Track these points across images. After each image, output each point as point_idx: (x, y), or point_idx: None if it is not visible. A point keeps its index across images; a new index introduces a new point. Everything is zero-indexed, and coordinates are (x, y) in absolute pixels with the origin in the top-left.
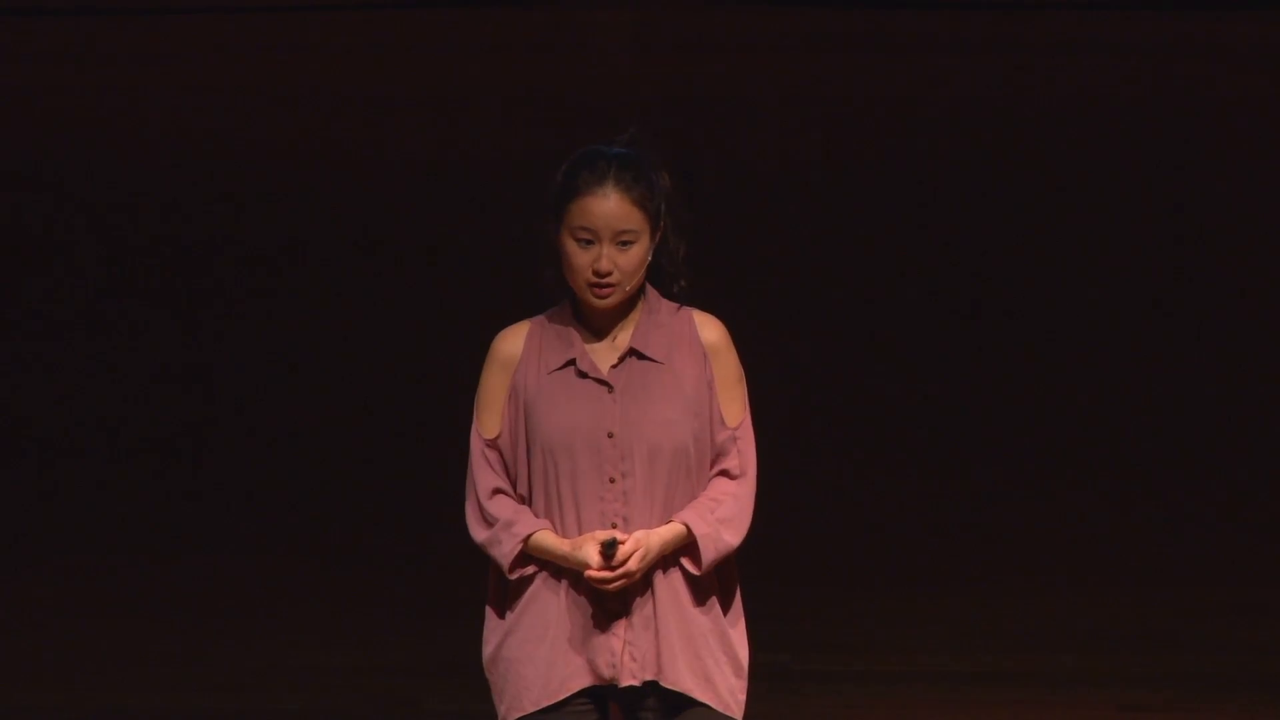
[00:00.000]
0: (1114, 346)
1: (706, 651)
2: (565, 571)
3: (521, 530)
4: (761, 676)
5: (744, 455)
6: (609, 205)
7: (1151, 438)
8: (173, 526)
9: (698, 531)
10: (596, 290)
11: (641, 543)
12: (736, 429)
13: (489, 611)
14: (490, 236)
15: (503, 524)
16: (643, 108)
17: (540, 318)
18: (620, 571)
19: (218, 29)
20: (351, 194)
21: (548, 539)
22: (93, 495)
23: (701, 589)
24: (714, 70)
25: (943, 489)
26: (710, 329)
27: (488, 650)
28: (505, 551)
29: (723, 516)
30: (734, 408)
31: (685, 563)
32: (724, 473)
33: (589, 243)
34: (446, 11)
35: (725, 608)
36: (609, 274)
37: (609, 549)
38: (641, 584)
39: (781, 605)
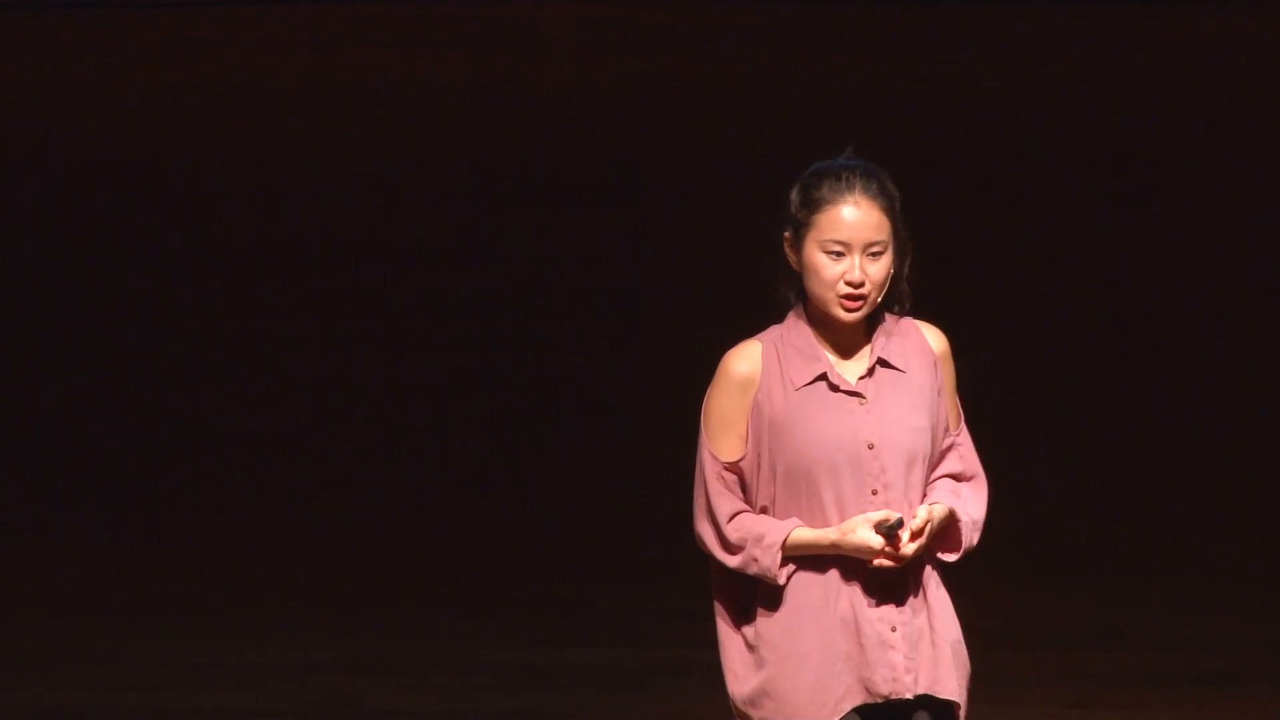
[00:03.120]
0: (1050, 344)
1: (959, 664)
2: (823, 589)
3: (776, 538)
4: None
5: (970, 460)
6: (863, 215)
7: (1089, 435)
8: (112, 523)
9: (961, 517)
10: (847, 303)
11: (929, 517)
12: (958, 435)
13: (736, 645)
14: (435, 228)
15: (753, 540)
16: (589, 100)
17: (771, 335)
18: (915, 549)
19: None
20: (288, 189)
21: (805, 534)
22: None
23: (947, 596)
24: (661, 63)
25: None
26: (937, 337)
27: (746, 687)
28: (767, 565)
29: (970, 511)
30: (954, 414)
31: (939, 552)
32: (952, 477)
33: (840, 254)
34: (391, 6)
35: (958, 615)
36: (861, 285)
37: (892, 530)
38: (914, 591)
39: None
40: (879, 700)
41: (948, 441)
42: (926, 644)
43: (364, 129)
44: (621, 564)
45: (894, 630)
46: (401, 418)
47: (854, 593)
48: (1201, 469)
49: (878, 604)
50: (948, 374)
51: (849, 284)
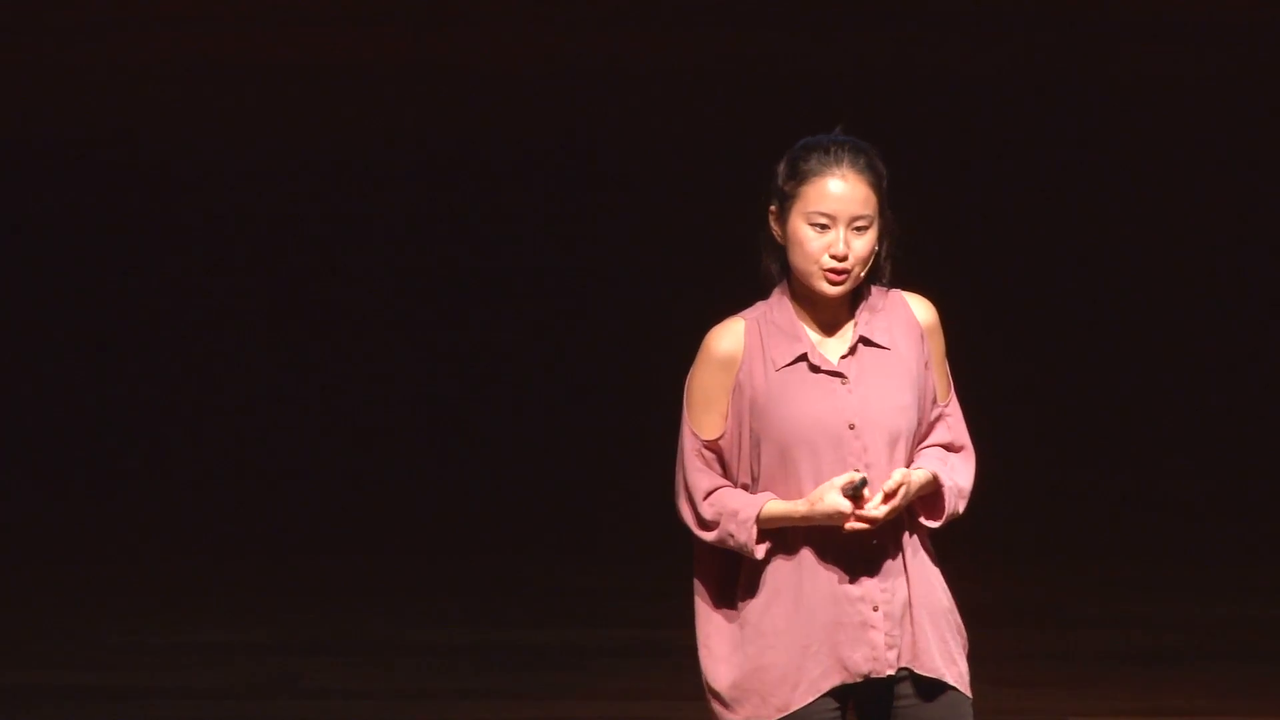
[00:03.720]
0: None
1: (949, 633)
2: (803, 569)
3: (750, 512)
4: None
5: (959, 429)
6: (850, 188)
7: (1020, 415)
8: (50, 505)
9: (945, 482)
10: (831, 276)
11: (904, 480)
12: (946, 405)
13: (714, 627)
14: (388, 206)
15: (727, 515)
16: (541, 78)
17: (754, 312)
18: (887, 511)
19: None
20: (242, 169)
21: (778, 506)
22: None
23: (935, 568)
24: (615, 40)
25: None
26: (924, 308)
27: (723, 666)
28: (743, 540)
29: (956, 478)
30: (943, 384)
31: (922, 517)
32: (941, 447)
33: (825, 227)
34: None
35: (949, 586)
36: (845, 258)
37: (857, 490)
38: (898, 565)
39: None
40: (858, 680)
41: (935, 412)
42: (910, 618)
43: (318, 107)
44: (564, 544)
45: (875, 610)
46: (350, 397)
47: (835, 572)
48: (1139, 449)
49: (859, 582)
50: (935, 345)
51: (834, 257)
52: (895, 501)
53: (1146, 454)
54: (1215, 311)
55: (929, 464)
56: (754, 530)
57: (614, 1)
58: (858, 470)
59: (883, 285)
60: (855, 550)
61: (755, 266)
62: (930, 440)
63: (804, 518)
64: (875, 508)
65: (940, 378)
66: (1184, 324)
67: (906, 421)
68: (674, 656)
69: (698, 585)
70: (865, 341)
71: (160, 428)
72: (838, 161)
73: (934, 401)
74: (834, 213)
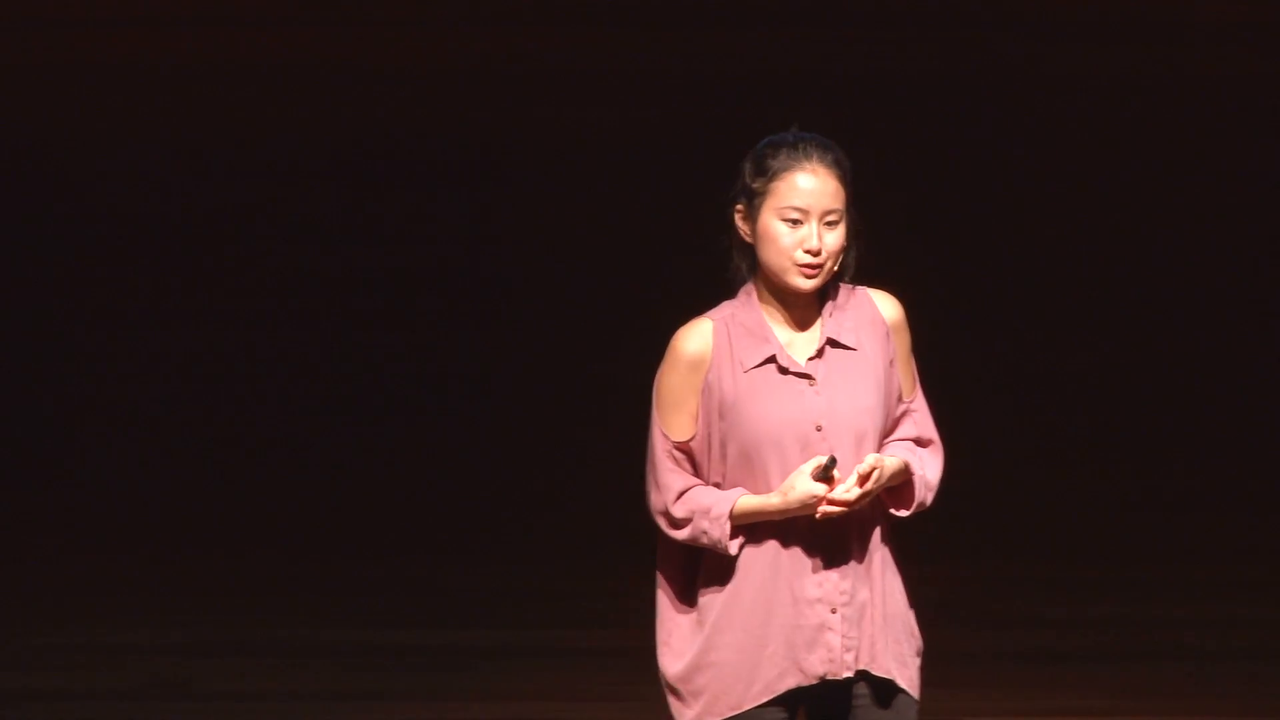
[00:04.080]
0: None
1: (903, 634)
2: (765, 570)
3: (723, 508)
4: None
5: (925, 424)
6: (820, 183)
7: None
8: None
9: (915, 471)
10: (806, 271)
11: (878, 464)
12: (913, 401)
13: (675, 622)
14: (294, 205)
15: (700, 513)
16: (443, 77)
17: (721, 313)
18: (860, 494)
19: None
20: (151, 167)
21: (751, 501)
22: None
23: (896, 570)
24: (521, 39)
25: None
26: (890, 306)
27: (682, 663)
28: (717, 536)
29: (925, 470)
30: (909, 380)
31: (891, 508)
32: (910, 441)
33: (797, 222)
34: None
35: (907, 587)
36: (819, 252)
37: (827, 471)
38: (861, 566)
39: None
40: (814, 682)
41: (902, 408)
42: (869, 621)
43: (222, 107)
44: (453, 546)
45: (834, 612)
46: (249, 399)
47: (797, 573)
48: (1045, 446)
49: (821, 585)
50: (901, 342)
51: (808, 251)
52: (869, 485)
53: (1048, 453)
54: (1137, 316)
55: (899, 453)
56: (727, 526)
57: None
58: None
59: (848, 282)
60: (818, 551)
61: (663, 266)
62: (897, 435)
63: (777, 510)
64: (848, 490)
65: (906, 374)
66: (1103, 325)
67: (872, 422)
68: (565, 657)
69: (661, 582)
70: (833, 343)
71: (51, 429)
72: (807, 156)
73: (900, 398)
74: (806, 207)
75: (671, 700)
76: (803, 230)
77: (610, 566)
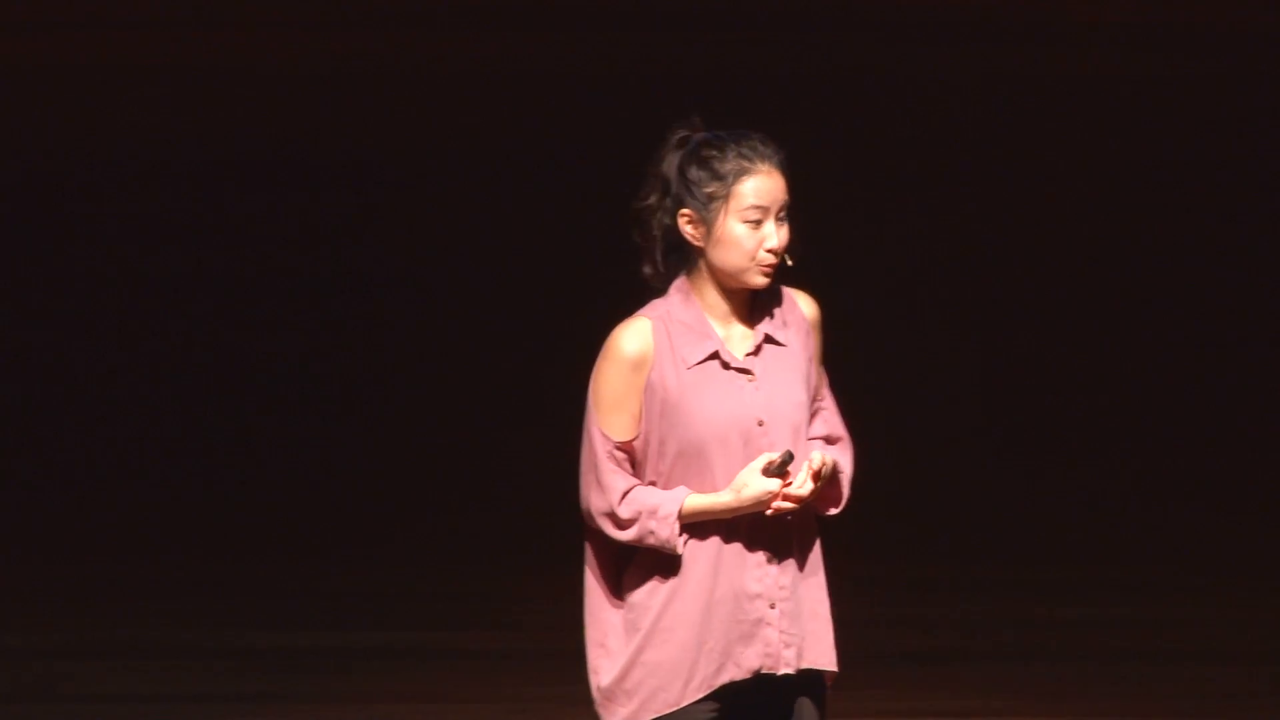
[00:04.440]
0: None
1: (828, 619)
2: (703, 565)
3: (671, 508)
4: None
5: (835, 422)
6: (775, 180)
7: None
8: None
9: (844, 472)
10: (765, 270)
11: (828, 461)
12: (823, 400)
13: (609, 623)
14: (163, 207)
15: (647, 513)
16: (311, 80)
17: (656, 311)
18: (810, 491)
19: None
20: (15, 169)
21: (699, 500)
22: None
23: (819, 557)
24: (388, 42)
25: None
26: (810, 304)
27: (616, 663)
28: (665, 536)
29: (845, 468)
30: (822, 379)
31: (823, 507)
32: (821, 439)
33: (758, 223)
34: None
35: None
36: (778, 250)
37: (781, 468)
38: (798, 562)
39: None
40: (749, 676)
41: (815, 406)
42: (807, 616)
43: (88, 107)
44: (327, 548)
45: (773, 607)
46: (125, 398)
47: (736, 568)
48: (916, 449)
49: (760, 579)
50: (818, 340)
51: (769, 251)
52: (819, 483)
53: (921, 452)
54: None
55: (834, 454)
56: (676, 526)
57: (376, 4)
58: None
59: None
60: (759, 547)
61: (531, 268)
62: (810, 433)
63: (728, 508)
64: (800, 486)
65: (820, 373)
66: (988, 333)
67: (804, 416)
68: (442, 659)
69: (591, 585)
70: (769, 339)
71: None
72: (761, 156)
73: (815, 396)
74: (767, 205)
75: (602, 701)
76: (764, 229)
77: (491, 570)
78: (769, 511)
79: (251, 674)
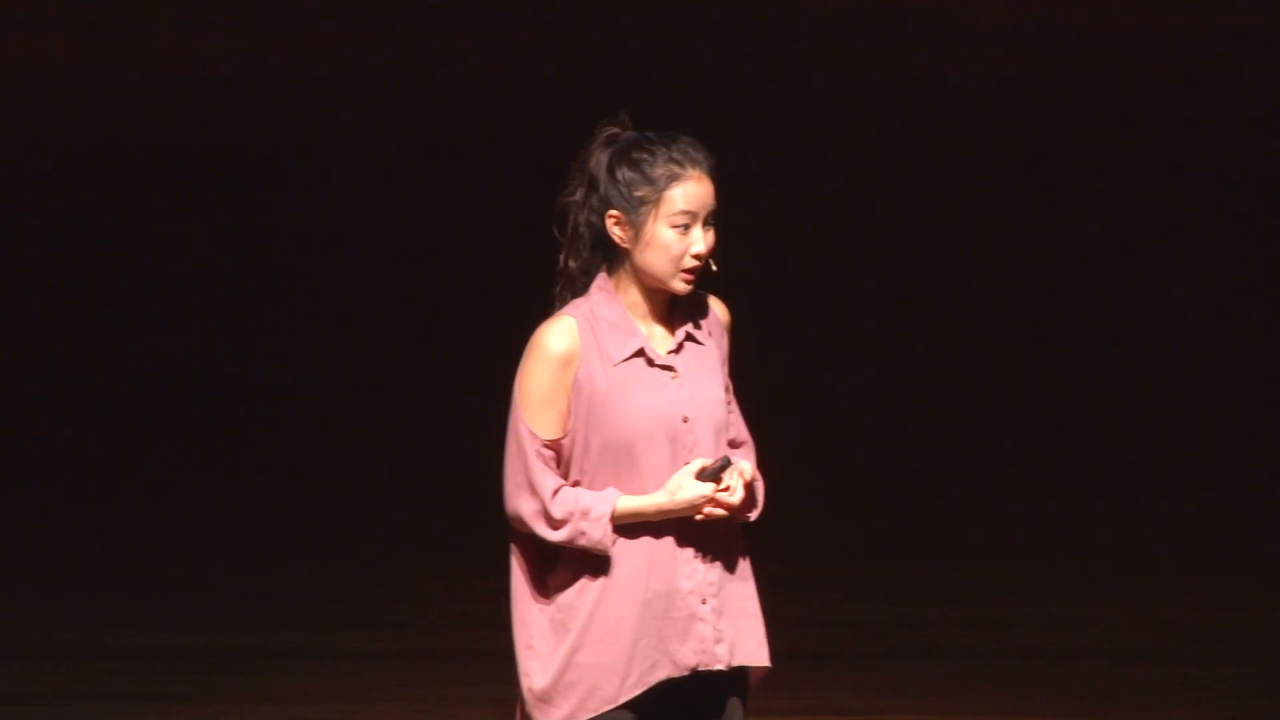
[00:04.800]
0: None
1: (758, 616)
2: (633, 563)
3: (603, 509)
4: None
5: (740, 427)
6: (705, 186)
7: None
8: None
9: (759, 480)
10: (686, 277)
11: (753, 472)
12: (730, 403)
13: (537, 624)
14: (48, 209)
15: (579, 514)
16: (201, 81)
17: (580, 309)
18: (742, 497)
19: None
20: None
21: (631, 502)
22: None
23: (745, 555)
24: (273, 44)
25: None
26: (723, 308)
27: (548, 664)
28: (598, 537)
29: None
30: (729, 381)
31: (742, 513)
32: (729, 443)
33: (687, 227)
34: None
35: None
36: (704, 256)
37: (717, 474)
38: (727, 560)
39: None
40: (685, 673)
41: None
42: (738, 613)
43: None
44: (231, 548)
45: (704, 603)
46: (13, 399)
47: (667, 565)
48: (797, 446)
49: (690, 575)
50: (731, 343)
51: (695, 256)
52: (745, 491)
53: (817, 449)
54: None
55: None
56: (609, 527)
57: (270, 4)
58: (688, 463)
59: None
60: (688, 545)
61: (439, 269)
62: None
63: (661, 510)
64: (733, 493)
65: (728, 375)
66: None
67: (724, 414)
68: (344, 659)
69: (517, 587)
70: (689, 338)
71: None
72: (693, 162)
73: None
74: (696, 210)
75: (536, 705)
76: (692, 234)
77: (399, 571)
78: (699, 516)
79: (151, 674)
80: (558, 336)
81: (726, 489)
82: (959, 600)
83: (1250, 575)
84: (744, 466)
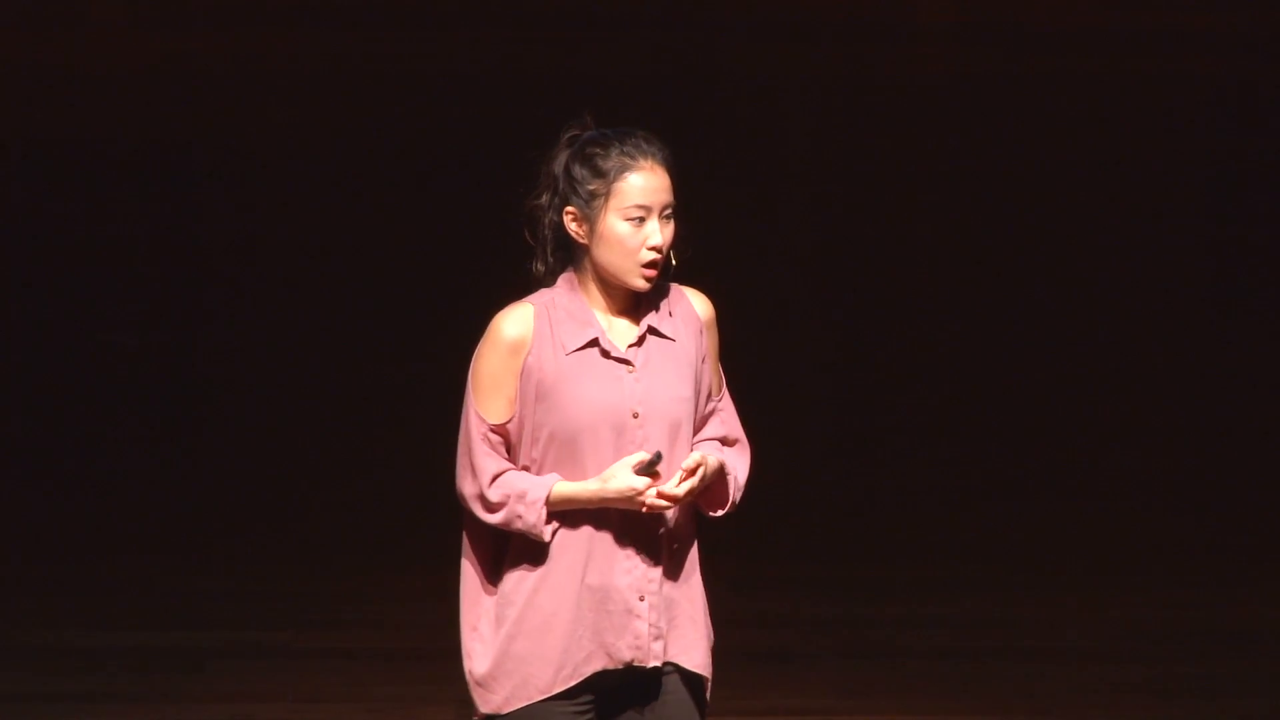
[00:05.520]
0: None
1: (703, 622)
2: (574, 554)
3: (539, 494)
4: None
5: (733, 424)
6: (658, 178)
7: None
8: None
9: (730, 472)
10: (646, 273)
11: (703, 460)
12: (720, 400)
13: (482, 608)
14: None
15: (515, 497)
16: (143, 79)
17: (541, 298)
18: (685, 491)
19: None
20: None
21: (567, 488)
22: None
23: (697, 567)
24: (218, 41)
25: None
26: (704, 304)
27: (487, 649)
28: (532, 521)
29: (737, 470)
30: (717, 379)
31: (705, 508)
32: (716, 441)
33: (641, 220)
34: None
35: (702, 576)
36: (661, 249)
37: (652, 467)
38: (671, 558)
39: None
40: (620, 667)
41: (710, 406)
42: (678, 613)
43: None
44: (178, 547)
45: (642, 599)
46: None
47: (606, 559)
48: (752, 445)
49: (629, 571)
50: (712, 340)
51: (651, 249)
52: (693, 482)
53: (772, 448)
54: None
55: (723, 457)
56: (543, 512)
57: (201, 2)
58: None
59: (669, 272)
60: (629, 541)
61: (368, 269)
62: (705, 434)
63: (594, 498)
64: (675, 486)
65: (715, 372)
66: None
67: (686, 412)
68: (294, 659)
69: (467, 569)
70: (653, 332)
71: None
72: (644, 154)
73: (709, 396)
74: (651, 204)
75: (476, 690)
76: (647, 228)
77: (350, 569)
78: (644, 509)
79: (101, 674)
80: (511, 323)
81: (657, 477)
82: (916, 600)
83: (1210, 574)
84: (693, 456)
